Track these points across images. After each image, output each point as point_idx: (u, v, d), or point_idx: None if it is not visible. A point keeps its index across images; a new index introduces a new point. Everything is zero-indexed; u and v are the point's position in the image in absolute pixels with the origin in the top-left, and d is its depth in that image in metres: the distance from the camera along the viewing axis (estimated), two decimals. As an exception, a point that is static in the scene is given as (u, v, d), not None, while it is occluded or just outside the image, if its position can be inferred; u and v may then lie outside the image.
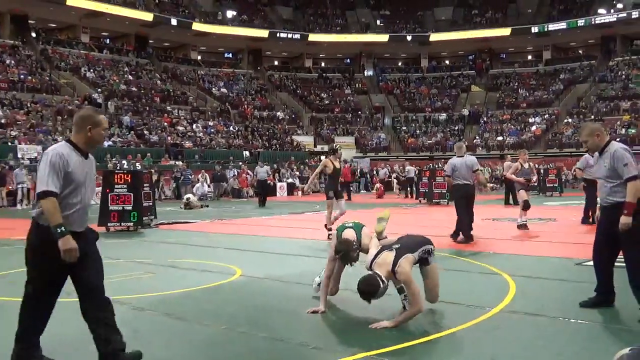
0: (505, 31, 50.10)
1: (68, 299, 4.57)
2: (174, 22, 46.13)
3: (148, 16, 44.43)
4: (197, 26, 47.37)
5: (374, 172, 35.48)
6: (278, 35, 50.69)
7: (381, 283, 4.88)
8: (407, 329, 4.91)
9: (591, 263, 5.76)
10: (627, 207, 5.15)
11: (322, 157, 42.79)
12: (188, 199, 21.52)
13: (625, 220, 5.14)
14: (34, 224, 4.02)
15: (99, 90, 36.64)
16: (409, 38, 52.57)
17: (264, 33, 50.24)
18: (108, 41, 47.37)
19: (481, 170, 11.23)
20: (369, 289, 4.89)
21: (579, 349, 4.37)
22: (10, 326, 4.23)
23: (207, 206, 22.05)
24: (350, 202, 21.69)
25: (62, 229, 3.81)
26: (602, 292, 5.54)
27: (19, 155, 25.86)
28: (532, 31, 49.67)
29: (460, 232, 10.44)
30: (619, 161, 5.26)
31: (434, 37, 51.84)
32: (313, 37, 51.85)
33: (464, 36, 51.74)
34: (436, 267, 5.45)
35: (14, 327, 4.12)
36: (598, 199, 6.06)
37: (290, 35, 51.16)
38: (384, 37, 52.72)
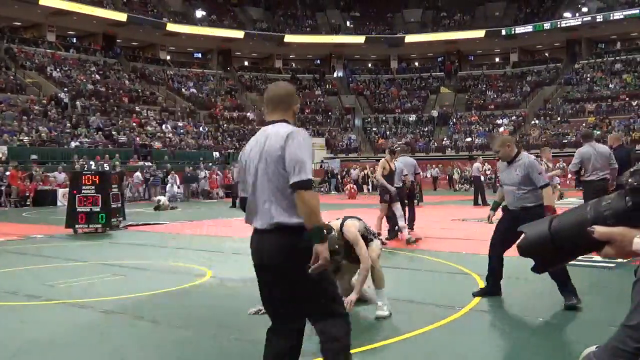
0: (478, 33, 50.61)
1: (38, 302, 4.51)
2: (150, 22, 45.98)
3: (121, 16, 44.04)
4: (171, 27, 47.12)
5: (344, 173, 35.58)
6: (255, 37, 50.75)
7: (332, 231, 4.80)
8: (379, 329, 4.93)
9: (576, 263, 5.89)
10: (548, 210, 5.62)
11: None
12: (159, 201, 21.29)
13: (600, 229, 5.36)
14: (284, 226, 2.93)
15: (66, 90, 36.05)
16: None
17: (239, 34, 50.17)
18: (75, 40, 46.67)
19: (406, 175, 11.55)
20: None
21: (546, 347, 4.44)
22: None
23: (177, 207, 21.84)
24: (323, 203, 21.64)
25: (324, 231, 2.89)
26: (494, 282, 6.05)
27: (-17, 156, 25.34)
28: (501, 34, 50.33)
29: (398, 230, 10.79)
30: (533, 170, 5.79)
31: (408, 38, 52.21)
32: (289, 38, 51.89)
33: (434, 38, 52.25)
34: (377, 248, 5.54)
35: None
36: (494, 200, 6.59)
37: (264, 37, 51.19)
38: (360, 39, 52.98)
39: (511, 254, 9.00)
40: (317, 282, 2.89)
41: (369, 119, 49.72)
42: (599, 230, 1.59)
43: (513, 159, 5.98)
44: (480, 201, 20.30)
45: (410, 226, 11.83)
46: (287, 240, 2.92)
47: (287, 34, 52.03)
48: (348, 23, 55.19)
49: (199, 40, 49.57)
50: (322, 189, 34.18)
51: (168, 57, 50.97)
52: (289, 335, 3.07)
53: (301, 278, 2.88)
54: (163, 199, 21.83)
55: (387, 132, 47.10)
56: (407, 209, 11.61)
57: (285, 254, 2.91)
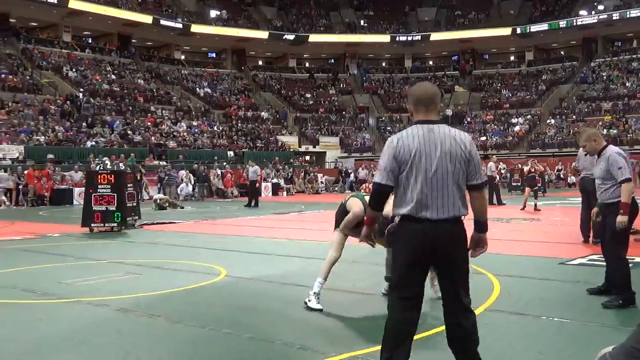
0: (499, 31, 50.31)
1: (54, 300, 4.54)
2: (179, 25, 46.74)
3: (147, 18, 44.71)
4: (196, 28, 47.61)
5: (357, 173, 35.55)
6: (284, 37, 51.19)
7: None
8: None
9: (575, 262, 5.88)
10: (622, 207, 5.44)
11: (307, 157, 42.92)
12: (156, 200, 21.26)
13: (621, 219, 5.45)
14: (458, 218, 3.38)
15: (82, 90, 36.33)
16: (413, 38, 52.90)
17: (263, 34, 50.46)
18: (90, 40, 47.02)
19: None
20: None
21: (562, 348, 4.41)
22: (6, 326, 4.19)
23: (182, 207, 21.77)
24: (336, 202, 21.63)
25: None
26: (610, 279, 5.83)
27: (0, 156, 25.58)
28: (515, 32, 50.03)
29: None
30: (613, 165, 5.58)
31: (434, 37, 52.12)
32: (313, 37, 52.07)
33: (458, 36, 52.00)
34: None
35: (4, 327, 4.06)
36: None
37: (289, 36, 51.48)
38: (385, 38, 52.97)
39: (520, 254, 8.96)
40: (468, 266, 3.46)
41: (383, 118, 49.60)
42: None
43: (600, 153, 5.84)
44: (495, 200, 20.18)
45: None
46: (460, 229, 3.39)
47: (311, 34, 52.21)
48: (362, 22, 55.11)
49: (214, 39, 49.72)
50: (337, 189, 34.19)
51: (182, 57, 51.18)
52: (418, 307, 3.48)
53: (464, 261, 3.42)
54: (162, 196, 21.95)
55: (402, 132, 46.91)
56: None
57: (456, 240, 3.38)
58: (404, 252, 3.41)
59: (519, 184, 28.46)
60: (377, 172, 3.47)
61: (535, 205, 17.68)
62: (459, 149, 3.36)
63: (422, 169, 3.33)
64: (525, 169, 19.66)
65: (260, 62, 56.33)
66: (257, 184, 23.29)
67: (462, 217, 3.38)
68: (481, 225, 3.48)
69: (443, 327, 3.54)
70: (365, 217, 3.75)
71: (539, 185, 26.24)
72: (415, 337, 3.51)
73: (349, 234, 5.85)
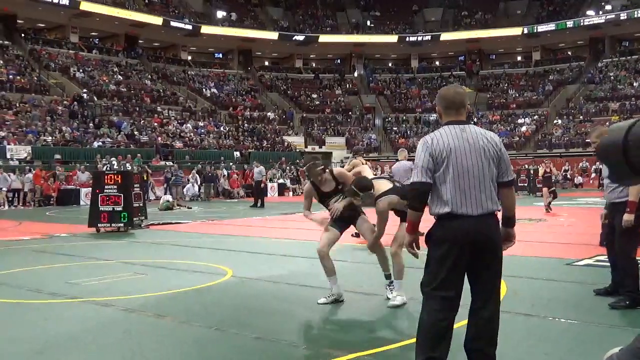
0: (507, 31, 50.22)
1: (61, 300, 4.56)
2: (189, 27, 47.13)
3: (157, 20, 45.06)
4: (206, 29, 47.87)
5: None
6: (294, 38, 51.41)
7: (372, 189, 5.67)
8: (398, 329, 4.92)
9: (581, 263, 5.86)
10: (629, 205, 5.46)
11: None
12: (168, 201, 21.38)
13: (627, 217, 5.47)
14: (494, 213, 3.52)
15: (85, 91, 36.37)
16: (426, 38, 52.88)
17: (273, 35, 50.68)
18: (97, 41, 47.19)
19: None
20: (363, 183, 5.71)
21: (569, 348, 4.40)
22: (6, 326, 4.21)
23: (189, 207, 21.86)
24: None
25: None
26: (617, 280, 5.83)
27: (8, 156, 25.70)
28: (523, 32, 49.90)
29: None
30: None
31: (444, 37, 52.15)
32: (323, 38, 52.20)
33: (460, 36, 51.99)
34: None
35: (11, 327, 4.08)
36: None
37: (298, 37, 51.66)
38: (393, 38, 52.98)
39: (527, 255, 8.94)
40: (501, 260, 3.56)
41: (390, 119, 49.56)
42: None
43: None
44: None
45: None
46: (496, 223, 3.52)
47: (320, 35, 52.31)
48: (368, 22, 55.08)
49: (220, 40, 49.81)
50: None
51: (189, 58, 51.28)
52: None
53: (499, 254, 3.53)
54: (170, 198, 22.06)
55: (408, 132, 46.93)
56: None
57: (495, 234, 3.50)
58: (446, 250, 3.42)
59: (526, 184, 28.43)
60: (414, 170, 3.49)
61: (549, 205, 17.40)
62: (490, 147, 3.50)
63: (459, 166, 3.43)
64: (541, 170, 19.18)
65: (266, 63, 56.39)
66: (262, 185, 23.30)
67: (496, 211, 3.51)
68: (511, 221, 3.63)
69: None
70: (406, 224, 3.63)
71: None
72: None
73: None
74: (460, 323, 3.65)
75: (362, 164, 11.79)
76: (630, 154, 1.57)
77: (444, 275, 3.43)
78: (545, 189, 17.82)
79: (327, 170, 6.05)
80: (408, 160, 11.40)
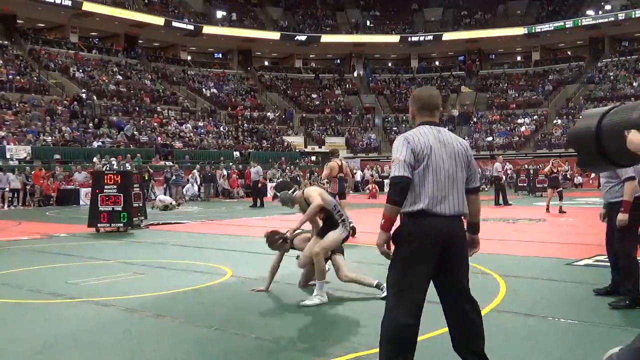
0: (517, 31, 50.22)
1: (61, 300, 4.56)
2: (190, 27, 47.22)
3: (159, 20, 45.12)
4: (207, 29, 47.97)
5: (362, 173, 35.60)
6: (296, 38, 51.49)
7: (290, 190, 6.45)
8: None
9: (581, 263, 5.87)
10: (624, 205, 5.46)
11: (313, 158, 42.91)
12: (168, 201, 21.40)
13: (621, 217, 5.47)
14: (463, 215, 3.55)
15: (84, 90, 36.35)
16: (429, 38, 52.93)
17: (275, 35, 50.70)
18: (97, 41, 47.18)
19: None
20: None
21: (568, 348, 4.40)
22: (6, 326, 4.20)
23: (179, 205, 21.94)
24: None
25: None
26: (617, 280, 5.83)
27: (8, 156, 25.69)
28: (522, 32, 49.91)
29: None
30: None
31: (446, 36, 52.19)
32: (325, 38, 52.27)
33: (462, 36, 52.02)
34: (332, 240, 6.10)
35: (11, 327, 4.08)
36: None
37: (300, 37, 51.74)
38: (394, 38, 53.04)
39: (527, 255, 8.94)
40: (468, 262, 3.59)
41: (389, 119, 49.57)
42: (631, 137, 1.45)
43: None
44: (501, 201, 20.14)
45: None
46: (463, 225, 3.55)
47: (322, 35, 52.38)
48: (368, 22, 55.08)
49: (220, 40, 49.81)
50: (349, 191, 34.14)
51: (189, 58, 51.28)
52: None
53: (466, 256, 3.57)
54: (164, 197, 22.07)
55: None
56: None
57: (464, 236, 3.54)
58: (417, 249, 3.37)
59: (525, 184, 28.43)
60: (394, 165, 3.40)
61: (560, 208, 16.77)
62: (462, 152, 3.54)
63: (437, 165, 3.42)
64: (546, 169, 18.29)
65: (266, 63, 56.40)
66: (260, 184, 23.28)
67: (465, 214, 3.55)
68: (477, 227, 3.66)
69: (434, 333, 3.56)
70: (382, 219, 3.40)
71: (545, 185, 26.29)
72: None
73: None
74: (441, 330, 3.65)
75: (338, 164, 11.98)
76: (603, 142, 1.57)
77: (414, 276, 3.37)
78: (550, 190, 17.39)
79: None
80: None
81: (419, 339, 3.43)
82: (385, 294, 5.74)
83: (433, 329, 4.54)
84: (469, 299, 3.54)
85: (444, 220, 3.40)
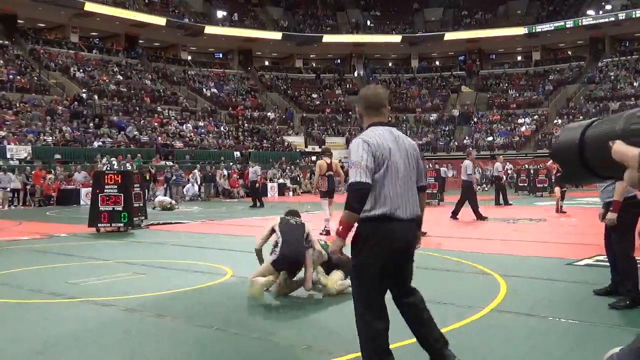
0: (518, 30, 50.22)
1: (61, 300, 4.55)
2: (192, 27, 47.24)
3: (160, 20, 45.14)
4: (209, 29, 48.04)
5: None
6: (297, 38, 51.42)
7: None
8: (398, 329, 4.91)
9: (581, 263, 5.88)
10: (613, 205, 5.49)
11: (313, 158, 42.92)
12: (168, 201, 21.38)
13: (610, 216, 5.52)
14: (417, 217, 3.68)
15: (84, 90, 36.35)
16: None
17: (277, 35, 50.70)
18: (97, 41, 47.19)
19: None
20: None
21: (569, 348, 4.40)
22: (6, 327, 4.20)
23: (177, 204, 21.94)
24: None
25: None
26: (617, 280, 5.84)
27: (8, 156, 25.69)
28: (522, 32, 49.91)
29: None
30: None
31: (448, 36, 52.16)
32: (327, 38, 52.28)
33: (463, 36, 52.01)
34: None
35: (12, 327, 4.08)
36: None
37: (300, 38, 51.74)
38: (396, 38, 52.99)
39: (527, 255, 8.93)
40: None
41: (390, 119, 49.32)
42: (615, 147, 1.45)
43: None
44: (501, 201, 20.13)
45: None
46: (416, 227, 3.58)
47: (324, 35, 52.39)
48: (369, 22, 55.09)
49: (220, 40, 49.81)
50: (342, 189, 34.10)
51: (189, 58, 51.30)
52: (413, 293, 3.71)
53: (413, 252, 3.62)
54: (163, 198, 22.07)
55: (408, 132, 46.89)
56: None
57: (416, 238, 3.59)
58: (378, 254, 3.37)
59: (526, 184, 28.42)
60: (354, 170, 3.30)
61: (561, 207, 16.81)
62: (413, 150, 3.58)
63: (396, 168, 3.41)
64: (556, 166, 18.08)
65: (266, 63, 56.42)
66: (258, 184, 23.23)
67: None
68: (421, 223, 3.71)
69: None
70: (340, 226, 3.29)
71: (546, 185, 26.29)
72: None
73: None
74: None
75: (327, 163, 12.04)
76: (586, 154, 1.56)
77: (377, 279, 3.40)
78: (557, 188, 17.29)
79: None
80: None
81: (400, 344, 3.51)
82: None
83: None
84: (413, 291, 3.67)
85: (404, 224, 3.42)
